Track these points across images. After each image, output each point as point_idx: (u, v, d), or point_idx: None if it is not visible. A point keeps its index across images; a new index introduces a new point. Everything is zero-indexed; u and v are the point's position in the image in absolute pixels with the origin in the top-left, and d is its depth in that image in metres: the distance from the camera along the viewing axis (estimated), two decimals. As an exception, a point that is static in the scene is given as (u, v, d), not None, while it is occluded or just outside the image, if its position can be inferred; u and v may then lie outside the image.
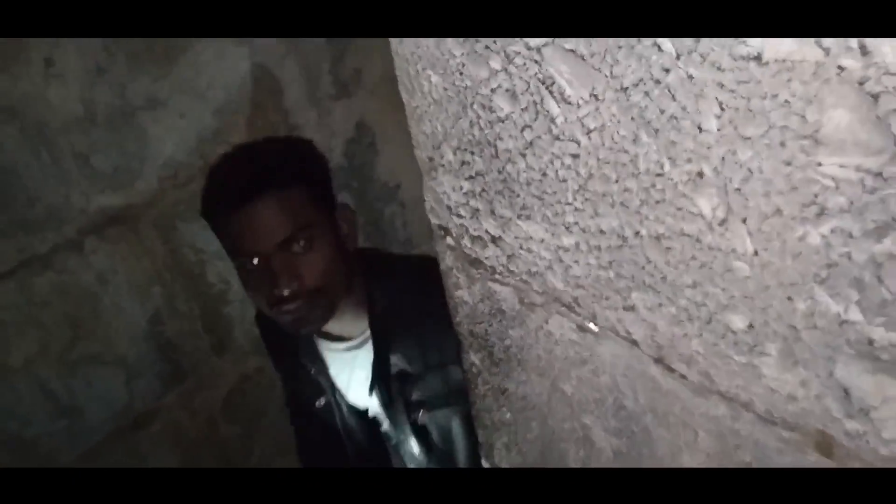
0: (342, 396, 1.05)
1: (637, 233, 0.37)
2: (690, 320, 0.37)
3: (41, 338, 1.32)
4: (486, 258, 0.49)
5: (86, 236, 1.28)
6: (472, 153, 0.44)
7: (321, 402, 1.07)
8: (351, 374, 1.04)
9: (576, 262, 0.42)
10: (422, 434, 1.01)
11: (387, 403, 1.00)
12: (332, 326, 0.98)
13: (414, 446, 1.03)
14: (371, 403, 1.04)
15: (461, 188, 0.47)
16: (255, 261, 0.88)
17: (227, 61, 1.35)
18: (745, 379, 0.36)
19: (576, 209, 0.39)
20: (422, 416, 1.00)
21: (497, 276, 0.49)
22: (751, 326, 0.34)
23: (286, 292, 0.87)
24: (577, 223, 0.40)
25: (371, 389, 1.00)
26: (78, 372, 1.40)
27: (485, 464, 0.67)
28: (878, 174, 0.26)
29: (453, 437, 1.00)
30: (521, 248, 0.45)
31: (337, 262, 0.92)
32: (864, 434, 0.32)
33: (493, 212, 0.46)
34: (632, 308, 0.40)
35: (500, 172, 0.43)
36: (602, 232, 0.39)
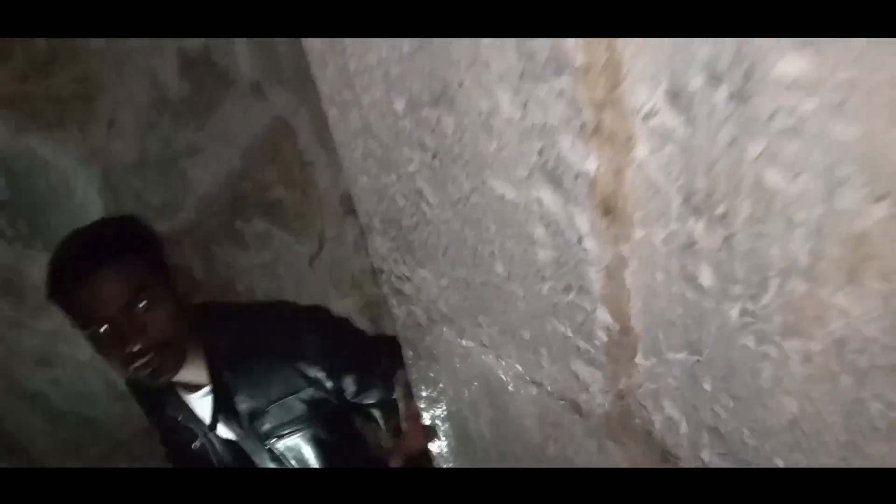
0: (214, 435, 1.16)
1: (474, 280, 0.58)
2: (507, 333, 0.58)
3: (104, 337, 1.56)
4: (405, 289, 0.70)
5: (139, 256, 1.52)
6: (390, 225, 0.66)
7: (196, 444, 1.18)
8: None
9: (449, 295, 0.63)
10: (278, 460, 1.15)
11: (241, 437, 1.13)
12: (186, 376, 1.08)
13: None
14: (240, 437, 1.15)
15: (386, 245, 0.69)
16: (104, 327, 0.95)
17: (251, 113, 1.58)
18: (535, 369, 0.57)
19: (445, 264, 0.60)
20: (275, 443, 1.13)
21: (413, 302, 0.71)
22: (533, 337, 0.55)
23: (136, 348, 0.95)
24: (446, 273, 0.61)
25: (211, 427, 1.13)
26: (133, 365, 1.63)
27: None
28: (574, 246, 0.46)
29: (305, 459, 1.14)
30: (422, 284, 0.67)
31: (178, 315, 1.01)
32: (588, 400, 0.53)
33: (404, 261, 0.67)
34: (480, 325, 0.61)
35: (405, 239, 0.64)
36: (459, 279, 0.60)
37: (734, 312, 0.37)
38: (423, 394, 0.83)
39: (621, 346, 0.46)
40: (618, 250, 0.41)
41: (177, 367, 1.02)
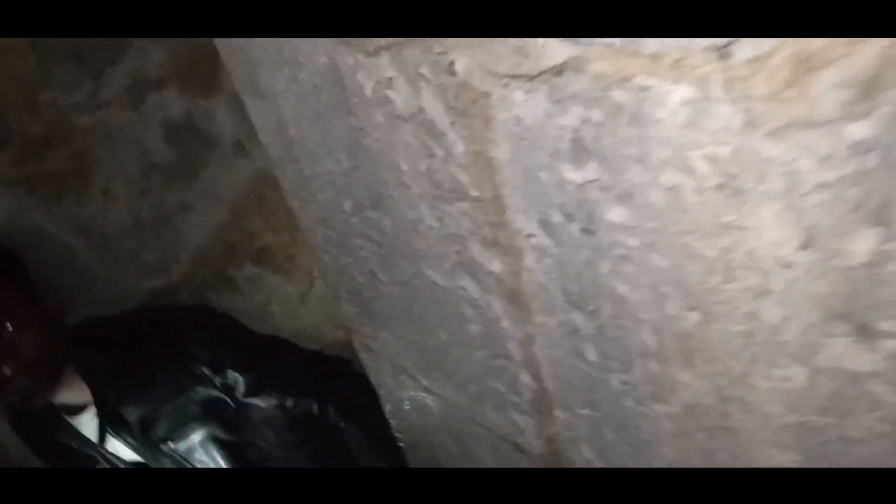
0: (114, 455, 1.09)
1: (425, 344, 0.65)
2: (458, 387, 0.65)
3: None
4: (372, 346, 0.77)
5: (141, 309, 1.58)
6: (353, 294, 0.73)
7: (100, 467, 1.11)
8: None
9: (408, 354, 0.70)
10: (182, 463, 1.08)
11: (137, 448, 1.06)
12: (68, 398, 1.04)
13: None
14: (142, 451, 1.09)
15: (353, 311, 0.75)
16: None
17: (236, 169, 1.64)
18: (483, 417, 0.64)
19: (400, 329, 0.67)
20: (173, 449, 1.06)
21: (379, 357, 0.78)
22: (478, 391, 0.62)
23: (7, 371, 0.92)
24: (403, 336, 0.68)
25: (100, 442, 1.07)
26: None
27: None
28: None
29: (207, 463, 1.08)
30: (385, 343, 0.74)
31: (48, 335, 0.98)
32: (526, 442, 0.60)
33: (369, 324, 0.74)
34: (435, 379, 0.68)
35: (367, 307, 0.71)
36: (414, 342, 0.67)
37: (615, 381, 0.44)
38: (399, 424, 0.90)
39: (542, 401, 0.53)
40: (526, 330, 0.48)
41: (50, 388, 0.99)
